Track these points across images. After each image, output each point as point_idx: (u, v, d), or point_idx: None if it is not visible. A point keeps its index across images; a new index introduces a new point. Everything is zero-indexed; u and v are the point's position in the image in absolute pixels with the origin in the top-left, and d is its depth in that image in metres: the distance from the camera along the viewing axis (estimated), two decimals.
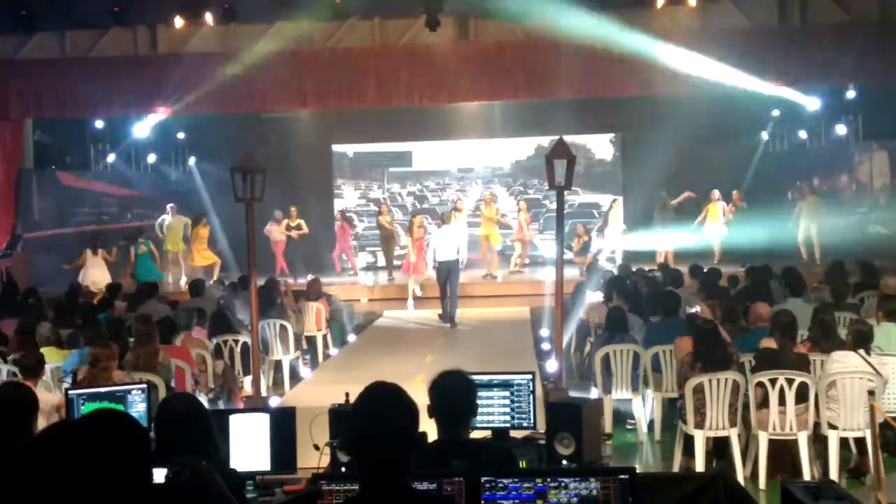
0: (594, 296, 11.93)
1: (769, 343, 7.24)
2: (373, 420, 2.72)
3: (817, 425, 7.00)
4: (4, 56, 16.86)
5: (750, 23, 15.84)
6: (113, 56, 16.67)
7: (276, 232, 19.49)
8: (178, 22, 16.61)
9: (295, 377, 11.53)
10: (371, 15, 16.46)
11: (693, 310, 9.73)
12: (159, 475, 2.90)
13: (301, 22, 16.11)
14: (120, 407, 5.45)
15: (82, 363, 7.45)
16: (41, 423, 6.06)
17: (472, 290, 17.71)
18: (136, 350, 7.71)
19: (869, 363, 6.95)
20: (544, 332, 13.21)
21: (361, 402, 2.79)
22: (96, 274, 16.50)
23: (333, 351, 13.05)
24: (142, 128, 19.08)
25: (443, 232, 15.15)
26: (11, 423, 4.21)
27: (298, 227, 19.61)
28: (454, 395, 3.94)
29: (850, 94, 18.88)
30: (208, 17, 16.54)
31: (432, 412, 3.88)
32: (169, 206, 19.34)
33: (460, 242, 15.38)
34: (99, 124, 20.52)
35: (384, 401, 2.77)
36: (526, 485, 3.45)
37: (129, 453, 2.20)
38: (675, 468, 7.23)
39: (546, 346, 12.04)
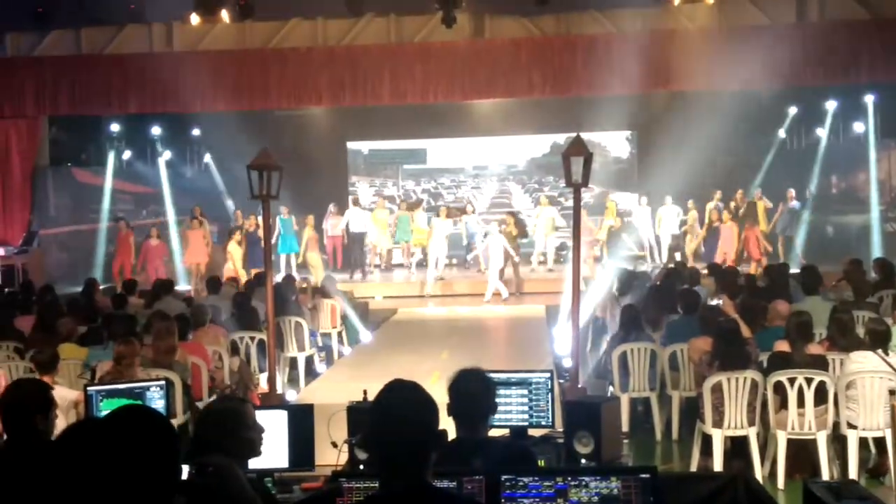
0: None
1: (782, 346, 7.16)
2: (393, 417, 2.69)
3: (836, 425, 6.92)
4: (20, 53, 16.93)
5: (768, 20, 15.75)
6: (128, 53, 16.72)
7: (333, 226, 19.53)
8: (194, 19, 16.63)
9: (310, 374, 11.54)
10: (387, 12, 16.45)
11: (714, 302, 9.62)
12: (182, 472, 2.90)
13: (316, 19, 16.16)
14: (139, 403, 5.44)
15: (104, 359, 7.45)
16: (60, 419, 6.08)
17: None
18: (154, 346, 7.70)
19: (887, 363, 6.88)
20: (560, 329, 13.15)
21: (381, 400, 2.75)
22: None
23: (348, 348, 13.04)
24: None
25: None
26: (28, 418, 4.20)
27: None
28: (473, 393, 3.90)
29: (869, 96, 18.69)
30: (224, 15, 16.55)
31: (451, 411, 3.83)
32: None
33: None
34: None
35: (404, 398, 2.74)
36: (546, 483, 3.43)
37: (159, 449, 2.20)
38: (693, 467, 7.18)
39: (562, 344, 11.97)
